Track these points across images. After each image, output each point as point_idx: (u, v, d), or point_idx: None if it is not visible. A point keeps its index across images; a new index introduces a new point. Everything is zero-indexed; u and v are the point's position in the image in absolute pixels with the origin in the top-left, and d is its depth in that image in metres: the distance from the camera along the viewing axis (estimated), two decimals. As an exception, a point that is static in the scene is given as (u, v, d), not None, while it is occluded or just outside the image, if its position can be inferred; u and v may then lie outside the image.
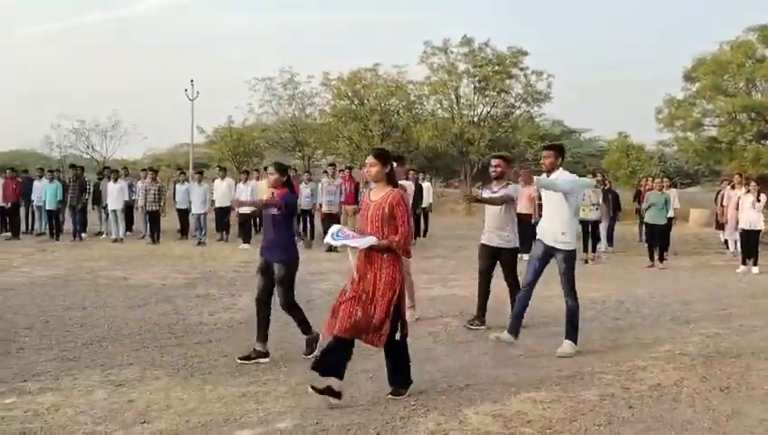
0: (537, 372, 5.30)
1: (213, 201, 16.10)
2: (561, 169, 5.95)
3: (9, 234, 16.51)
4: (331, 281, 9.74)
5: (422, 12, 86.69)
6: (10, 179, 16.80)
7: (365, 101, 29.68)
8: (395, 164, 4.71)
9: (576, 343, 5.89)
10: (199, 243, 15.17)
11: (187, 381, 5.08)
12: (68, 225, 16.51)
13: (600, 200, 13.38)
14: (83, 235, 16.12)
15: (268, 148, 32.35)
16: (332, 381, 4.39)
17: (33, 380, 5.07)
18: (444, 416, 4.28)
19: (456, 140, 29.00)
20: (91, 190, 16.86)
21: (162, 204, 15.79)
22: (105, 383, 5.00)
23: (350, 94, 29.69)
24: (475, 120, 29.41)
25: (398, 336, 4.54)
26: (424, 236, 17.02)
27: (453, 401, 4.56)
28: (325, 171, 16.35)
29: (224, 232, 16.15)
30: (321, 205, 15.11)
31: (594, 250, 13.29)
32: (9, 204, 16.65)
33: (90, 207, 17.03)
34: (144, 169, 17.71)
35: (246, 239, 15.03)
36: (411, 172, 16.12)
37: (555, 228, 5.89)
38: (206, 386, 4.95)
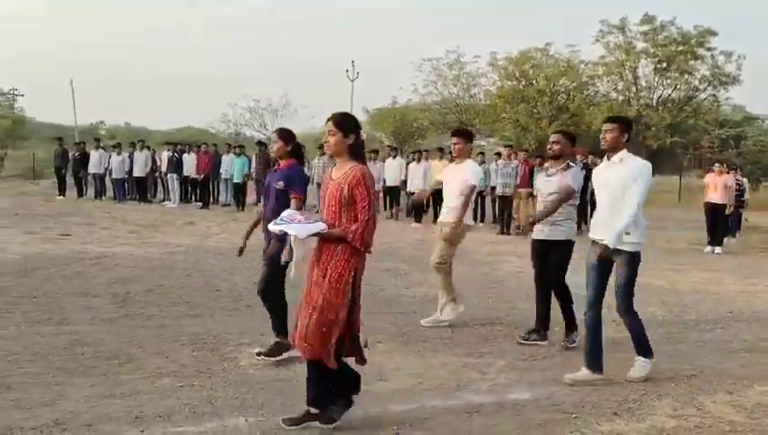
0: (765, 368, 5.14)
1: (384, 180, 16.76)
2: (625, 150, 4.68)
3: (200, 204, 18.25)
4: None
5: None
6: (203, 154, 18.52)
7: (533, 82, 29.19)
8: (362, 134, 3.86)
9: (651, 357, 4.78)
10: None
11: (405, 347, 5.47)
12: (251, 197, 17.95)
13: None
14: (265, 207, 17.48)
15: (431, 128, 32.90)
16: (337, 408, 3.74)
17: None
18: (678, 402, 4.31)
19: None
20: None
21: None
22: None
23: (517, 75, 29.34)
24: (654, 103, 27.93)
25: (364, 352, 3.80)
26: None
27: (683, 389, 4.56)
28: (497, 153, 16.41)
29: (392, 210, 16.85)
30: (493, 187, 15.25)
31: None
32: (201, 176, 18.38)
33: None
34: (320, 147, 18.76)
35: (418, 219, 15.52)
36: (591, 156, 15.73)
37: (610, 222, 4.60)
38: (426, 353, 5.31)
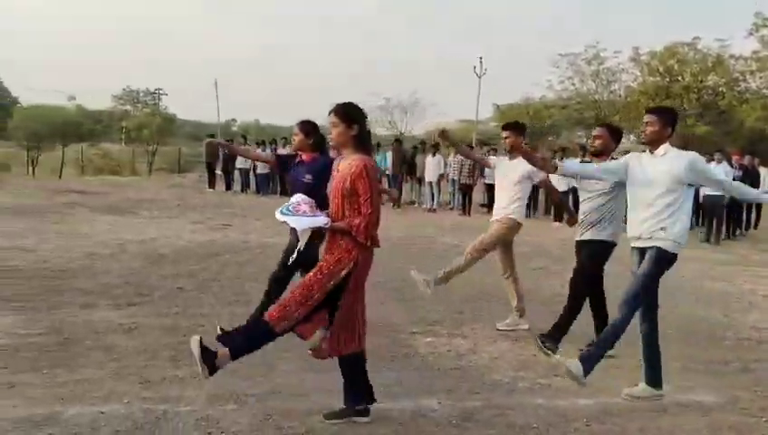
0: None
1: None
2: (668, 143, 4.35)
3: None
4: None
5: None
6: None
7: (679, 78, 27.92)
8: (368, 123, 3.75)
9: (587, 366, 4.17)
10: (430, 210, 16.86)
11: (577, 347, 5.61)
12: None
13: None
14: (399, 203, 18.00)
15: (567, 125, 32.30)
16: (222, 351, 3.53)
17: (437, 326, 6.04)
18: None
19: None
20: (408, 162, 18.68)
21: (475, 178, 16.89)
22: (501, 337, 5.77)
23: (661, 70, 28.19)
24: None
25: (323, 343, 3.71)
26: (755, 227, 15.81)
27: None
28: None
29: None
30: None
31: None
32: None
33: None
34: (486, 143, 19.09)
35: (558, 218, 15.44)
36: (749, 157, 14.98)
37: (650, 220, 4.27)
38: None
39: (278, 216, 3.68)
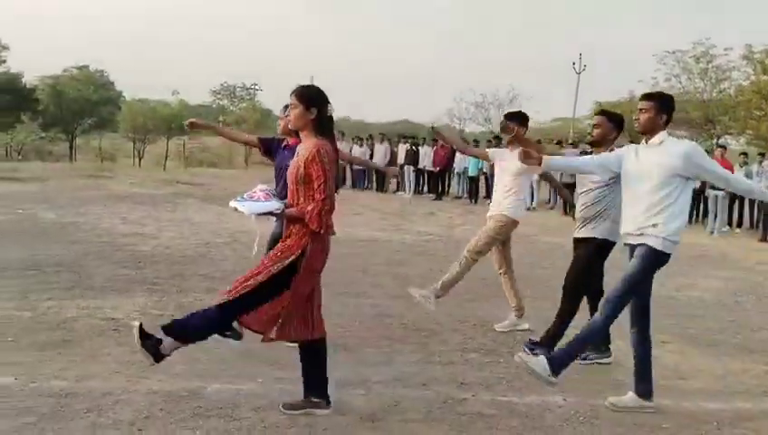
0: None
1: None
2: (665, 132, 4.06)
3: (433, 195, 19.17)
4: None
5: None
6: (441, 148, 19.41)
7: (799, 76, 26.24)
8: (330, 109, 3.60)
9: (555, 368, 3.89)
10: (528, 209, 16.19)
11: (697, 349, 5.47)
12: (482, 192, 18.50)
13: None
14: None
15: (672, 124, 31.01)
16: (167, 341, 3.49)
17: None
18: None
19: None
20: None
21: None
22: (615, 338, 5.68)
23: (777, 68, 26.56)
24: None
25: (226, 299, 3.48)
26: None
27: None
28: (761, 153, 15.17)
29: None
30: None
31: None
32: (438, 169, 19.31)
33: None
34: (558, 142, 18.76)
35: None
36: None
37: (642, 215, 3.98)
38: (722, 357, 5.28)
39: (231, 203, 3.58)
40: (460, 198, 19.24)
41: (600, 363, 4.90)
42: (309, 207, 3.44)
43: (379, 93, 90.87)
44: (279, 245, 3.56)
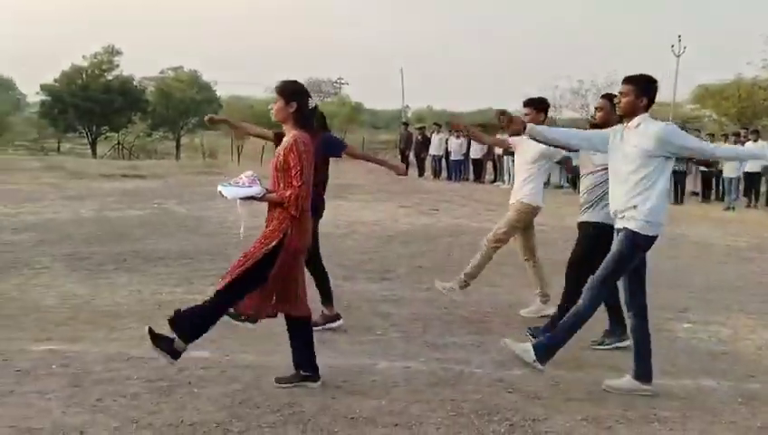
0: None
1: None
2: (647, 114, 4.06)
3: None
4: None
5: None
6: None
7: None
8: (311, 101, 3.88)
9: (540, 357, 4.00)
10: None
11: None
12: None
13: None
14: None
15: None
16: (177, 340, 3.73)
17: (688, 312, 6.09)
18: None
19: None
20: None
21: (717, 166, 16.33)
22: (761, 326, 5.72)
23: None
24: None
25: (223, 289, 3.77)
26: None
27: None
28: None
29: (753, 197, 16.36)
30: None
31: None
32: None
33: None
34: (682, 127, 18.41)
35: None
36: None
37: (623, 197, 4.04)
38: None
39: (218, 187, 3.83)
40: (561, 187, 19.10)
41: (619, 347, 4.84)
42: (287, 193, 3.71)
43: (466, 82, 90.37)
44: (265, 230, 3.83)
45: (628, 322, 4.27)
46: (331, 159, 5.36)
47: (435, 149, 21.81)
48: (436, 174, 21.85)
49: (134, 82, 38.56)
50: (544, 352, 4.01)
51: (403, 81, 37.86)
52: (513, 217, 5.63)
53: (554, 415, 3.72)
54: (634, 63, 71.09)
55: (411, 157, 22.60)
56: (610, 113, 4.77)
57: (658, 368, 4.53)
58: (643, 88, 4.09)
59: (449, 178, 21.28)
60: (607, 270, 4.06)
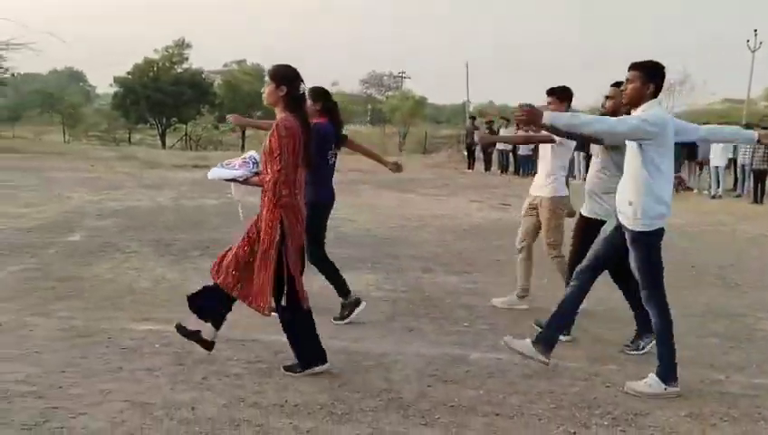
0: None
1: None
2: (652, 100, 3.87)
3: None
4: None
5: None
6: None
7: None
8: (302, 86, 3.85)
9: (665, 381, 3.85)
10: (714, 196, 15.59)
11: None
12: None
13: None
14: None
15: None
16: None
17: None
18: None
19: None
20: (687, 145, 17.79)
21: None
22: None
23: None
24: None
25: (283, 302, 3.82)
26: None
27: None
28: None
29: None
30: None
31: None
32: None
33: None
34: (755, 125, 17.72)
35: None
36: None
37: (622, 193, 3.97)
38: None
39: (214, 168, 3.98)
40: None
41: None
42: (267, 177, 3.72)
43: (526, 77, 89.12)
44: (261, 224, 3.78)
45: (573, 292, 4.13)
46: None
47: (501, 144, 21.60)
48: (504, 169, 21.67)
49: (202, 75, 39.61)
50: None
51: (468, 75, 37.58)
52: (550, 218, 5.46)
53: (655, 410, 3.66)
54: (707, 60, 68.86)
55: (478, 151, 22.51)
56: (621, 102, 4.55)
57: (757, 368, 4.42)
58: (650, 74, 3.91)
59: (516, 172, 21.07)
60: (647, 280, 3.96)
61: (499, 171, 21.69)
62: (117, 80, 39.86)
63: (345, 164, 23.70)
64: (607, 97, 4.95)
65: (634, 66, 3.95)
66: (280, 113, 3.81)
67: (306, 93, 4.08)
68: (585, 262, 4.13)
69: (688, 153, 17.55)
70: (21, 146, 26.12)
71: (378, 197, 14.01)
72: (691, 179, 18.11)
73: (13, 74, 32.02)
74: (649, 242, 3.93)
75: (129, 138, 40.30)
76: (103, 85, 55.63)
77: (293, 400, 3.55)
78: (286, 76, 3.84)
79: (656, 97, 3.92)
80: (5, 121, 39.46)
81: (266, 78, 3.97)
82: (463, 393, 3.75)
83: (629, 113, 4.01)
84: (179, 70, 39.63)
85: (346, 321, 5.00)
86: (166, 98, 35.81)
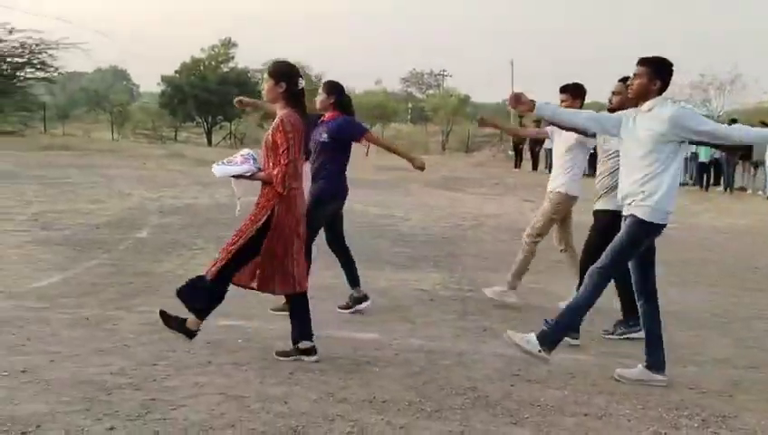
0: None
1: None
2: (662, 95, 3.93)
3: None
4: None
5: None
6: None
7: None
8: (301, 81, 3.96)
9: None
10: None
11: None
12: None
13: None
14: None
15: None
16: (190, 318, 4.00)
17: None
18: None
19: None
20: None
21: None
22: None
23: None
24: None
25: (208, 274, 3.98)
26: None
27: None
28: None
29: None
30: None
31: None
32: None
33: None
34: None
35: None
36: None
37: (633, 183, 3.92)
38: None
39: (212, 167, 4.07)
40: (685, 184, 18.39)
41: (630, 338, 4.76)
42: (275, 171, 3.86)
43: (571, 75, 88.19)
44: (255, 209, 3.97)
45: (640, 309, 4.16)
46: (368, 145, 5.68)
47: (548, 142, 21.41)
48: (551, 168, 21.48)
49: (248, 74, 40.13)
50: (551, 340, 3.96)
51: (513, 73, 37.30)
52: (550, 208, 5.54)
53: (743, 413, 3.64)
54: (756, 57, 67.14)
55: (525, 150, 22.41)
56: (627, 98, 4.54)
57: None
58: (657, 70, 3.97)
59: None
60: (611, 258, 3.97)
61: (547, 170, 21.51)
62: (164, 78, 40.61)
63: (379, 161, 24.00)
64: (613, 93, 4.95)
65: (642, 61, 4.01)
66: (281, 109, 3.96)
67: (319, 87, 4.62)
68: (637, 279, 4.14)
69: (743, 153, 17.20)
70: (72, 144, 26.80)
71: (428, 195, 14.08)
72: (745, 179, 17.76)
73: (61, 73, 32.85)
74: (648, 232, 3.96)
75: (176, 135, 41.04)
76: (147, 83, 56.69)
77: (381, 396, 3.61)
78: (285, 73, 3.99)
79: (661, 93, 3.96)
80: (55, 119, 40.47)
81: (266, 75, 4.10)
82: (548, 393, 3.77)
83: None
84: (225, 69, 40.21)
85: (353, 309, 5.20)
86: (212, 96, 36.32)
